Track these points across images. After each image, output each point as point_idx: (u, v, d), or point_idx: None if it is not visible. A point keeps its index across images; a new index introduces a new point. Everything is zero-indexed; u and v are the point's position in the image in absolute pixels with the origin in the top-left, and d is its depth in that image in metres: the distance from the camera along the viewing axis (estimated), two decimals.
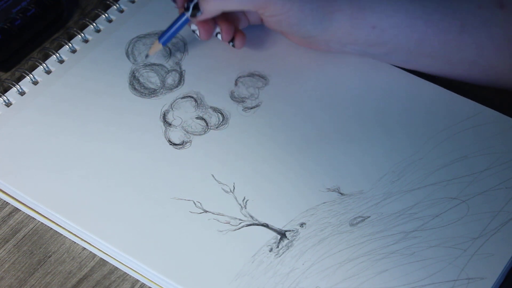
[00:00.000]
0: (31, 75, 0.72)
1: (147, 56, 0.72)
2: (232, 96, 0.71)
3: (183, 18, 0.69)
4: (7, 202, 0.66)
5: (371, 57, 0.71)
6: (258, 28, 0.73)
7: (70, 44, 0.74)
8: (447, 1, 0.67)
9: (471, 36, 0.67)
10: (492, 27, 0.67)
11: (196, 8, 0.67)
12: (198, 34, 0.70)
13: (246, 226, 0.63)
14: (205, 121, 0.69)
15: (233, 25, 0.70)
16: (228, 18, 0.70)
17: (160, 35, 0.71)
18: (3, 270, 0.63)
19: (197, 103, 0.70)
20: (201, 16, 0.68)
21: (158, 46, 0.71)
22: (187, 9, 0.68)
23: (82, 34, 0.75)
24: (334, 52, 0.71)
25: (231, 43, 0.71)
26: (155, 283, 0.61)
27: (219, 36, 0.71)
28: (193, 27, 0.70)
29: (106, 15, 0.77)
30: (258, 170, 0.66)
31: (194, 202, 0.64)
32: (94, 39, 0.75)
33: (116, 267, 0.63)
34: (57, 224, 0.64)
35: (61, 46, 0.75)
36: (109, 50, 0.74)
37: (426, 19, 0.67)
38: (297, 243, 0.62)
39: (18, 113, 0.70)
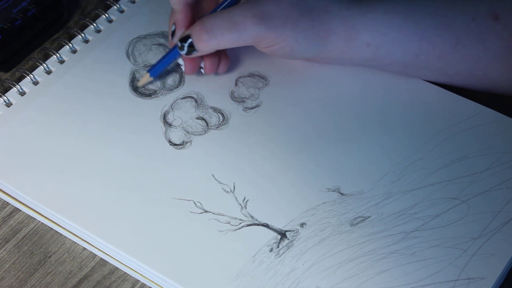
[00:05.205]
0: (31, 75, 0.72)
1: (138, 87, 0.71)
2: (233, 96, 0.71)
3: (176, 54, 0.69)
4: (7, 202, 0.66)
5: (368, 67, 0.71)
6: None
7: (70, 44, 0.74)
8: (441, 15, 0.67)
9: (467, 49, 0.67)
10: (488, 39, 0.67)
11: (192, 46, 0.67)
12: (183, 69, 0.70)
13: (247, 226, 0.63)
14: (206, 121, 0.69)
15: (217, 58, 0.70)
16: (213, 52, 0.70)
17: (151, 68, 0.70)
18: (3, 270, 0.63)
19: (197, 103, 0.70)
20: (196, 54, 0.68)
21: (148, 79, 0.71)
22: (181, 48, 0.67)
23: (83, 34, 0.75)
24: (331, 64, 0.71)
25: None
26: (155, 283, 0.61)
27: (202, 70, 0.70)
28: (180, 61, 0.70)
29: (107, 15, 0.77)
30: (259, 170, 0.66)
31: (194, 202, 0.64)
32: (95, 40, 0.75)
33: (117, 267, 0.63)
34: (58, 224, 0.64)
35: (62, 46, 0.75)
36: (109, 50, 0.74)
37: (420, 35, 0.67)
38: (298, 243, 0.62)
39: (18, 113, 0.70)
